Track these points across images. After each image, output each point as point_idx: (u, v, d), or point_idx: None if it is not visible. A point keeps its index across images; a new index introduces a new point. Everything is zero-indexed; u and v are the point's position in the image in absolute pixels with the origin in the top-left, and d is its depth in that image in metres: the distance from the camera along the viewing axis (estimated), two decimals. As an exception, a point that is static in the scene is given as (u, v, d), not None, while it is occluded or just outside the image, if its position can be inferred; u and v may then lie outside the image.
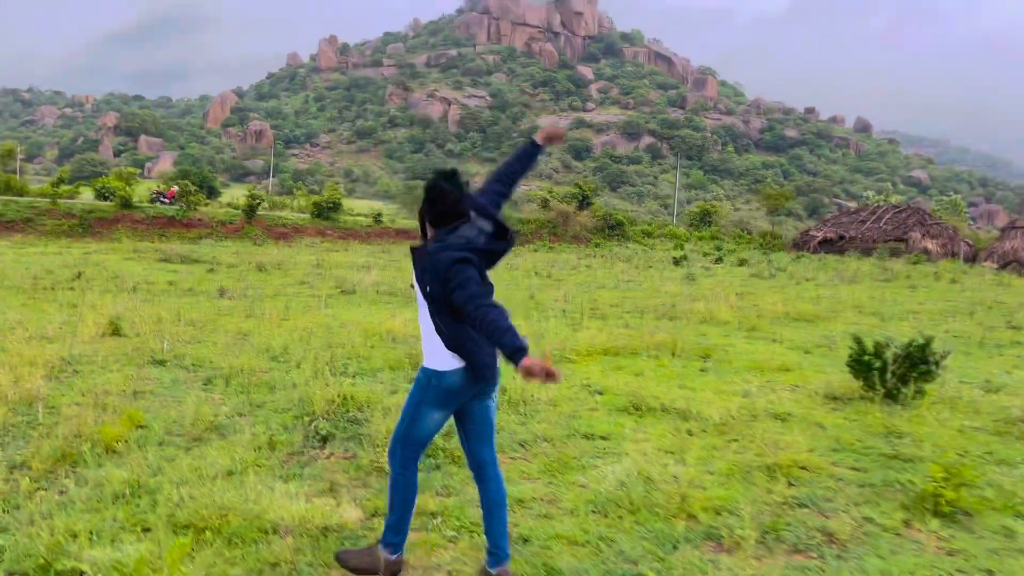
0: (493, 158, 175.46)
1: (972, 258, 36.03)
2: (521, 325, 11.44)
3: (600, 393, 7.29)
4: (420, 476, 3.72)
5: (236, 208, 41.93)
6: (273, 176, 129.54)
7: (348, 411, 6.19)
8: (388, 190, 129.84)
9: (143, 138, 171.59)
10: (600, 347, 9.47)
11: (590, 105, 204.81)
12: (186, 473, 4.66)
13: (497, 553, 3.53)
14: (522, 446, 5.58)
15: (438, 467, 5.04)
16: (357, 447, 5.38)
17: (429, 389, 3.43)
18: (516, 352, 2.89)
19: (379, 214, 43.99)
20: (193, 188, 39.81)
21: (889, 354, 6.84)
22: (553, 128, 3.76)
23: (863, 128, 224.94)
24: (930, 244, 36.76)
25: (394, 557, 3.55)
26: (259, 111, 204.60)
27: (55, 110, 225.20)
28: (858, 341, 7.09)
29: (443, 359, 3.37)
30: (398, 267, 23.63)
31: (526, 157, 3.78)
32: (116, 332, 9.43)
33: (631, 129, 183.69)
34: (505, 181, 3.73)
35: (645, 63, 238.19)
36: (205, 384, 7.21)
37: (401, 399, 6.45)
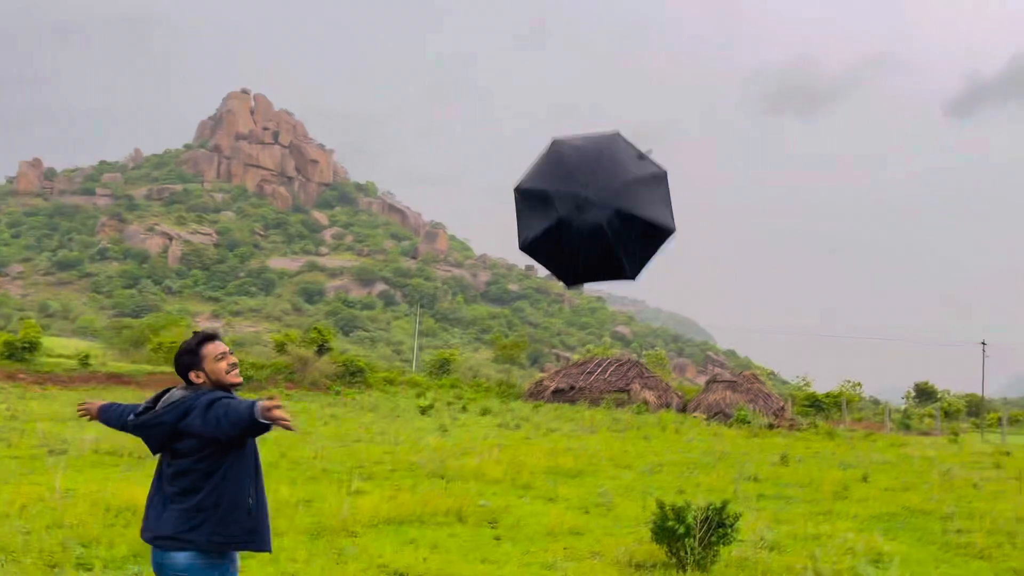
0: (217, 297, 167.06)
1: (683, 408, 39.86)
2: (283, 491, 10.20)
3: (403, 575, 6.48)
4: None
5: None
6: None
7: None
8: (91, 327, 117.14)
9: None
10: (383, 516, 8.63)
11: (324, 249, 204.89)
12: None
13: None
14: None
15: None
16: None
17: None
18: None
19: (86, 356, 39.00)
20: None
21: (691, 518, 6.87)
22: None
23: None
24: (648, 395, 40.23)
25: None
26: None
27: None
28: (660, 506, 7.07)
29: None
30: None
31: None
32: None
33: (365, 275, 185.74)
34: None
35: (380, 213, 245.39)
36: None
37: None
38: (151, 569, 6.08)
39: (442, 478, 12.39)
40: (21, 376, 35.23)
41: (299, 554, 6.95)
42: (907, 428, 43.09)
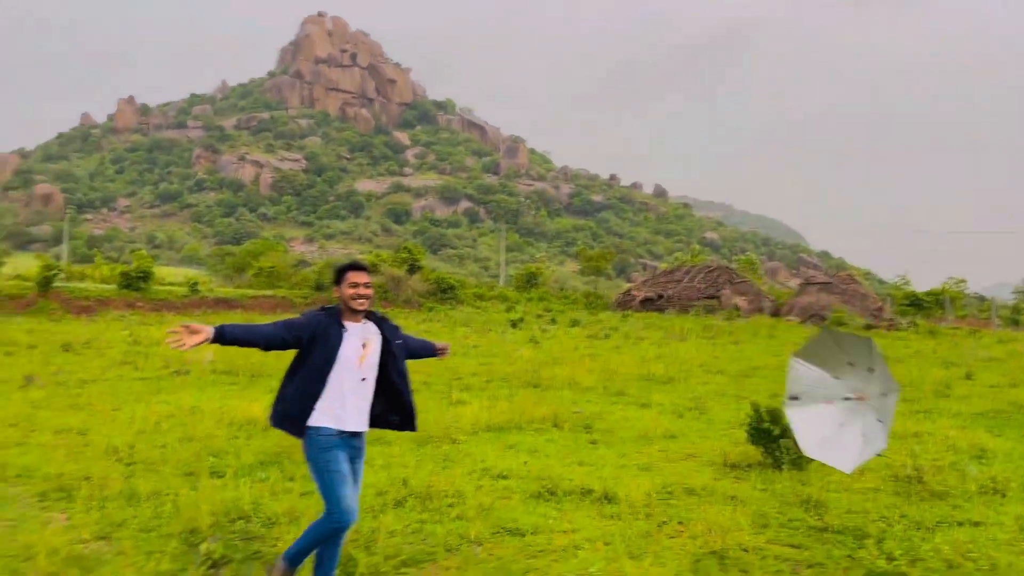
0: (310, 222, 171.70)
1: (775, 312, 39.23)
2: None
3: (504, 477, 6.84)
4: None
5: (27, 280, 37.64)
6: (60, 244, 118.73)
7: (237, 525, 5.32)
8: (196, 255, 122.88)
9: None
10: (483, 424, 9.04)
11: (407, 169, 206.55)
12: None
13: None
14: (450, 551, 5.01)
15: None
16: (261, 571, 4.57)
17: None
18: None
19: (195, 283, 41.14)
20: (-26, 259, 35.30)
21: (786, 420, 6.94)
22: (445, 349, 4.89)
23: (660, 193, 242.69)
24: (739, 301, 39.71)
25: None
26: (47, 174, 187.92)
27: None
28: (755, 409, 7.16)
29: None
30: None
31: (431, 354, 4.86)
32: (-94, 440, 7.79)
33: (449, 193, 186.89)
34: (412, 351, 4.70)
35: (459, 130, 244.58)
36: (41, 500, 6.00)
37: (288, 502, 5.69)
38: (275, 475, 6.62)
39: (536, 387, 12.77)
40: (139, 304, 37.59)
41: (408, 460, 7.41)
42: (1016, 324, 41.31)
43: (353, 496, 4.05)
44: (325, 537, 4.08)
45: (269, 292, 42.63)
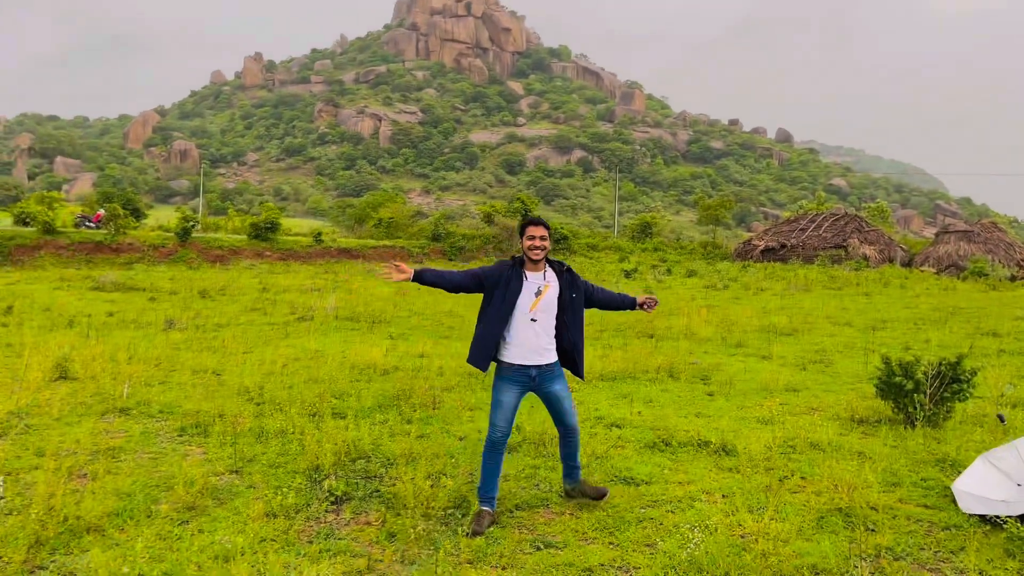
0: (426, 174, 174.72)
1: (908, 263, 37.00)
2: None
3: (618, 427, 6.77)
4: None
5: (168, 231, 40.17)
6: (196, 197, 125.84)
7: (358, 464, 5.51)
8: (319, 207, 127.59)
9: (60, 159, 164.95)
10: (597, 372, 8.97)
11: (521, 120, 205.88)
12: (195, 557, 3.94)
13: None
14: (562, 497, 5.00)
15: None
16: (381, 508, 4.71)
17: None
18: None
19: (319, 233, 42.75)
20: (122, 211, 37.94)
21: (920, 374, 6.52)
22: (652, 302, 5.12)
23: (784, 139, 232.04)
24: (868, 250, 37.63)
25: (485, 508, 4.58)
26: (183, 130, 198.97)
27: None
28: (886, 361, 6.75)
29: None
30: (348, 289, 22.75)
31: (622, 306, 5.19)
32: (65, 376, 8.48)
33: (562, 143, 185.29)
34: (596, 302, 5.08)
35: (573, 78, 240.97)
36: (180, 435, 6.41)
37: (406, 444, 5.84)
38: (393, 417, 6.81)
39: (651, 337, 12.57)
40: (267, 254, 39.49)
41: (523, 406, 7.46)
42: None
43: (503, 416, 4.64)
44: (486, 452, 4.66)
45: (388, 242, 43.82)
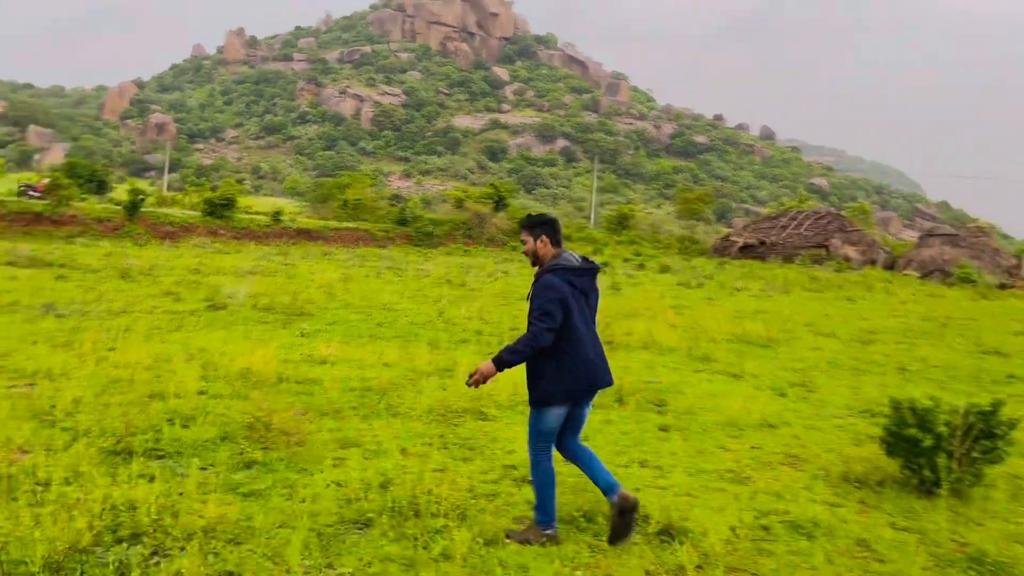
0: (407, 157, 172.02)
1: (891, 265, 35.57)
2: (424, 355, 9.07)
3: (529, 482, 4.98)
4: None
5: (118, 204, 37.93)
6: (173, 172, 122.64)
7: (113, 553, 3.66)
8: (297, 187, 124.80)
9: (32, 128, 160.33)
10: (523, 394, 7.14)
11: (505, 107, 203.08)
12: None
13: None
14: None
15: None
16: None
17: None
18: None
19: (278, 212, 40.65)
20: (66, 181, 35.64)
21: (942, 426, 4.78)
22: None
23: (768, 136, 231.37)
24: (850, 251, 36.13)
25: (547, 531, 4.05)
26: (161, 103, 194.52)
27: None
28: (896, 408, 5.01)
29: None
30: (289, 273, 20.82)
31: None
32: None
33: (546, 132, 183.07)
34: None
35: (559, 66, 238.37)
36: None
37: (214, 510, 4.04)
38: (228, 457, 4.96)
39: (608, 343, 10.79)
40: (221, 232, 37.37)
41: (414, 439, 5.66)
42: None
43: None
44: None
45: (351, 224, 41.81)
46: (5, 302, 12.24)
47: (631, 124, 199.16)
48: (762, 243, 38.99)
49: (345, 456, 5.31)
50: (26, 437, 5.22)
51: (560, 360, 3.97)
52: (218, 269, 21.02)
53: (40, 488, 4.32)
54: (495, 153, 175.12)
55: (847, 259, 35.44)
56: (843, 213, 43.85)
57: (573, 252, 4.18)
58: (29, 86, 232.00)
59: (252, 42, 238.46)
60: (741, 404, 7.32)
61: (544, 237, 4.11)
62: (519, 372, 7.55)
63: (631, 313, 14.14)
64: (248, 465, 4.99)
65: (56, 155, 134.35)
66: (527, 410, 6.82)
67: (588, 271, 4.10)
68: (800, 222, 39.47)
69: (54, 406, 5.97)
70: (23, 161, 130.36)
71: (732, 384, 8.55)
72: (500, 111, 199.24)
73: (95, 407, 6.06)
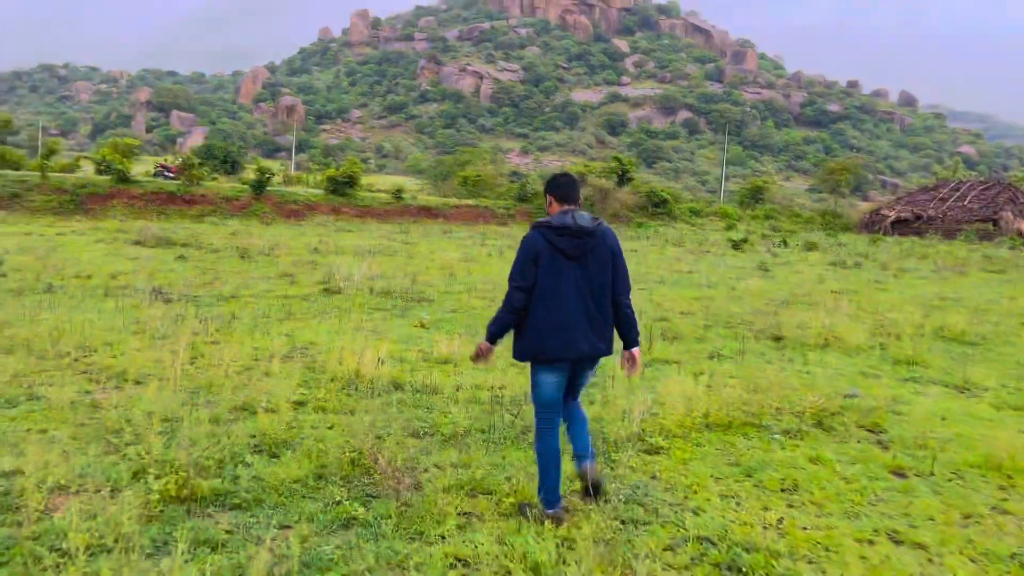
0: (525, 133, 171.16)
1: (1075, 242, 31.25)
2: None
3: (739, 571, 3.44)
4: None
5: (244, 184, 38.50)
6: (301, 152, 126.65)
7: None
8: (418, 165, 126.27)
9: (175, 113, 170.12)
10: (700, 414, 5.56)
11: (625, 79, 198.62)
12: None
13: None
14: None
15: None
16: None
17: None
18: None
19: (400, 190, 40.24)
20: (196, 161, 36.38)
21: None
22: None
23: (908, 102, 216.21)
24: (1024, 226, 32.07)
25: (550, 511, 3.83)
26: (291, 86, 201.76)
27: (90, 86, 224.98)
28: None
29: None
30: (410, 252, 19.91)
31: None
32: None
33: (667, 103, 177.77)
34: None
35: (682, 36, 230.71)
36: None
37: None
38: (303, 525, 3.69)
39: (777, 340, 9.03)
40: (343, 210, 37.27)
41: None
42: None
43: None
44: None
45: (471, 201, 40.94)
46: (116, 285, 11.71)
47: (758, 94, 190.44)
48: (918, 217, 35.24)
49: (471, 510, 3.93)
50: (76, 472, 4.12)
51: (530, 322, 3.78)
52: (338, 248, 20.37)
53: (62, 559, 3.16)
54: (614, 127, 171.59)
55: (1020, 234, 31.44)
56: (1013, 183, 39.21)
57: (580, 212, 3.83)
58: (173, 73, 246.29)
59: (376, 23, 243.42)
60: (989, 432, 5.47)
61: (550, 196, 3.98)
62: (686, 384, 5.97)
63: (790, 299, 12.22)
64: (346, 525, 3.68)
65: (196, 138, 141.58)
66: (708, 435, 5.26)
67: (575, 232, 3.73)
68: (964, 193, 35.39)
69: (129, 421, 4.89)
70: (166, 145, 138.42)
71: (960, 400, 6.65)
72: (620, 84, 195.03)
73: (170, 426, 4.95)
